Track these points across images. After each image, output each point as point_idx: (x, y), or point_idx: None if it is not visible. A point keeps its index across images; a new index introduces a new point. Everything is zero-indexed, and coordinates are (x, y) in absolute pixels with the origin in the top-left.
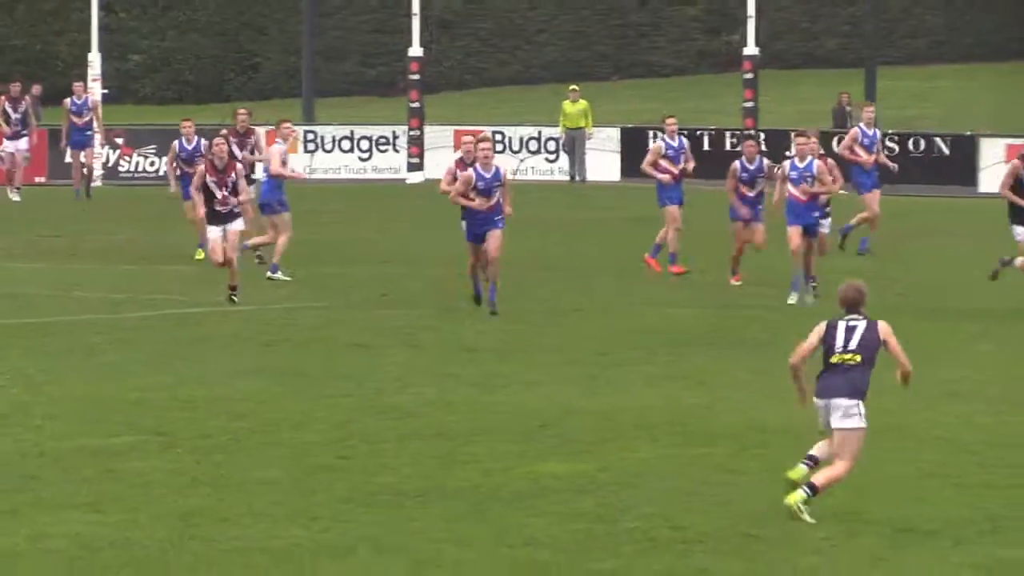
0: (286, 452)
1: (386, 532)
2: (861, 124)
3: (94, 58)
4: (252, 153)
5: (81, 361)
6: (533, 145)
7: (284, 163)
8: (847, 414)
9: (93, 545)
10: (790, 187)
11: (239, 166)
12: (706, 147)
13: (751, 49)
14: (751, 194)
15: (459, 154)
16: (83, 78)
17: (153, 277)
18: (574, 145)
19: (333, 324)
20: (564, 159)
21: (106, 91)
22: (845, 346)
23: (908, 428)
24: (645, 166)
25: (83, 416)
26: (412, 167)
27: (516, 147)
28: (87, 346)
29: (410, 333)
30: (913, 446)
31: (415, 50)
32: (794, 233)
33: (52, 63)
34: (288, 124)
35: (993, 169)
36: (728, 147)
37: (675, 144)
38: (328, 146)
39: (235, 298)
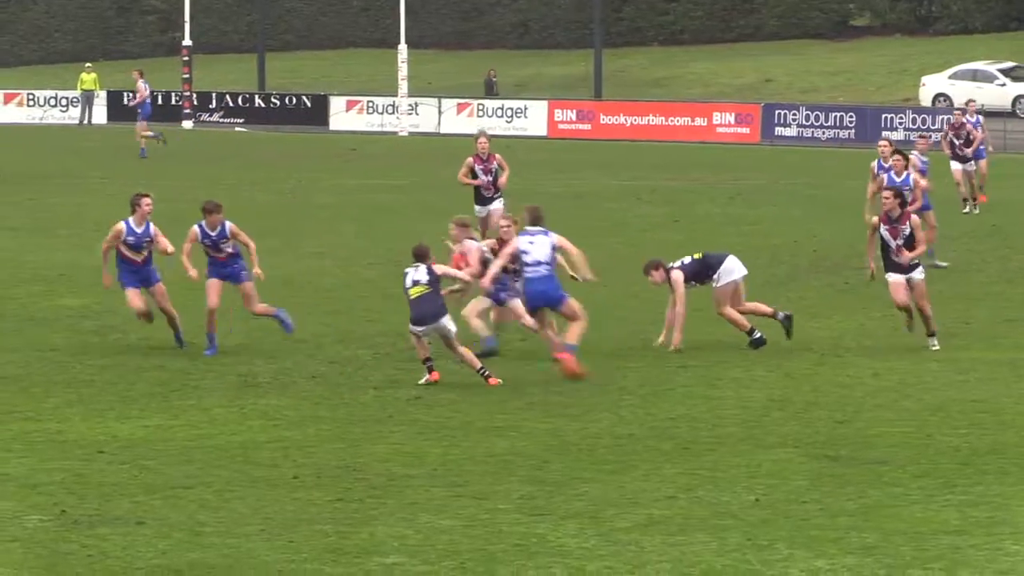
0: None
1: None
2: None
3: None
4: None
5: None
6: (52, 101)
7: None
8: None
9: None
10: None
11: None
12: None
13: (187, 41)
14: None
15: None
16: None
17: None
18: (87, 101)
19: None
20: (75, 110)
21: None
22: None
23: None
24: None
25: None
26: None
27: (42, 103)
28: None
29: None
30: None
31: None
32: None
33: None
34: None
35: (337, 116)
36: (175, 102)
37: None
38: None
39: None
